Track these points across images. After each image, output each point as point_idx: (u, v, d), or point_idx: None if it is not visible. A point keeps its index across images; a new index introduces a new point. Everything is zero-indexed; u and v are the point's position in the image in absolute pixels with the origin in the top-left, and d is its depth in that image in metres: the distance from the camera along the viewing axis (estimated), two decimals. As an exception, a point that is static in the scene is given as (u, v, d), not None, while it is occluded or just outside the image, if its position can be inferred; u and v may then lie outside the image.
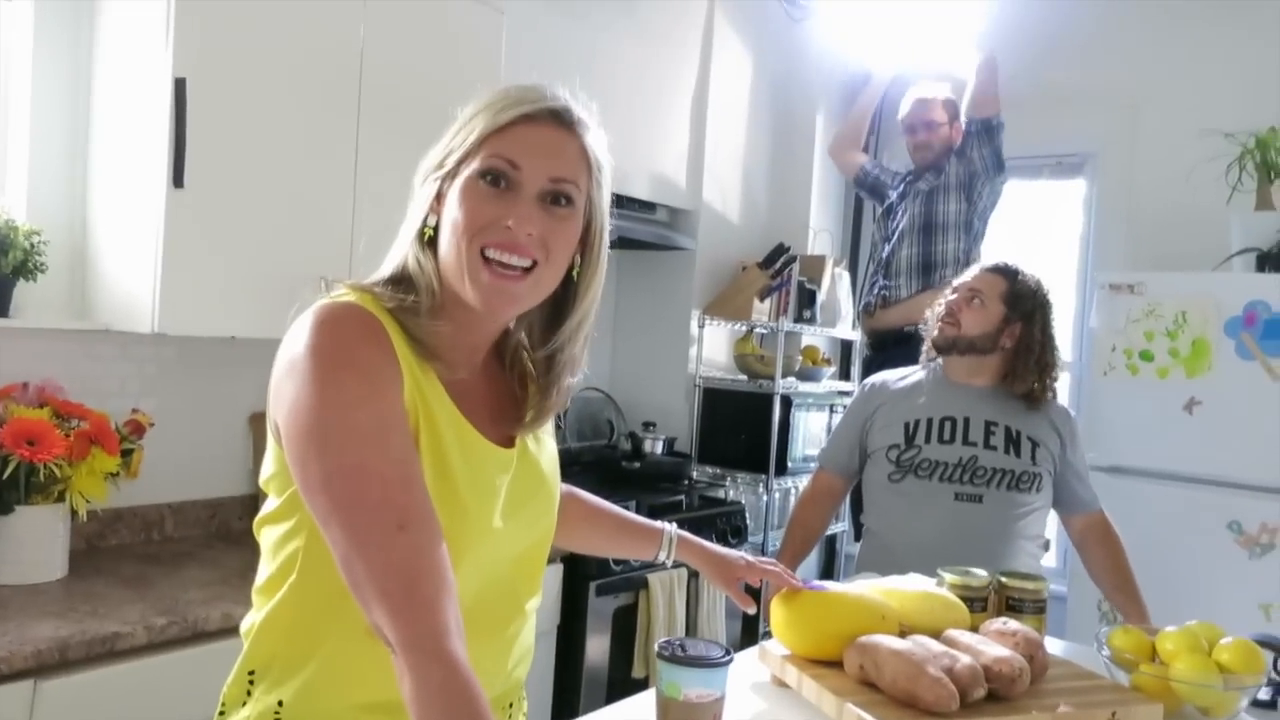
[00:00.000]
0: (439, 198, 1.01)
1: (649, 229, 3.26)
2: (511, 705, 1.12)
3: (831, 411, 3.68)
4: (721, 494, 3.32)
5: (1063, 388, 2.31)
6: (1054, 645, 1.64)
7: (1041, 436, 2.17)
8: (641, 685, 2.49)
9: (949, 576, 1.62)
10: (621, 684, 2.57)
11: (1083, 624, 2.84)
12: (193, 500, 2.27)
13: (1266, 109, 3.13)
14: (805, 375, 3.56)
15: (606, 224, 1.07)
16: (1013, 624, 1.43)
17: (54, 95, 2.00)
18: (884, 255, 3.44)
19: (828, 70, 3.91)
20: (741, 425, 3.44)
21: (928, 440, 2.19)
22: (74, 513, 1.84)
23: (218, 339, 2.22)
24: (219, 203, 1.92)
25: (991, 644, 1.33)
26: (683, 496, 3.05)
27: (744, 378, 3.51)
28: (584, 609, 2.52)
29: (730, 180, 3.69)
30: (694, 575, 2.74)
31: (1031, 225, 3.83)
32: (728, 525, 2.99)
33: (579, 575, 2.51)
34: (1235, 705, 1.38)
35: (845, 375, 4.03)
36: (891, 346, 3.25)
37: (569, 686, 2.54)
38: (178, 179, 1.84)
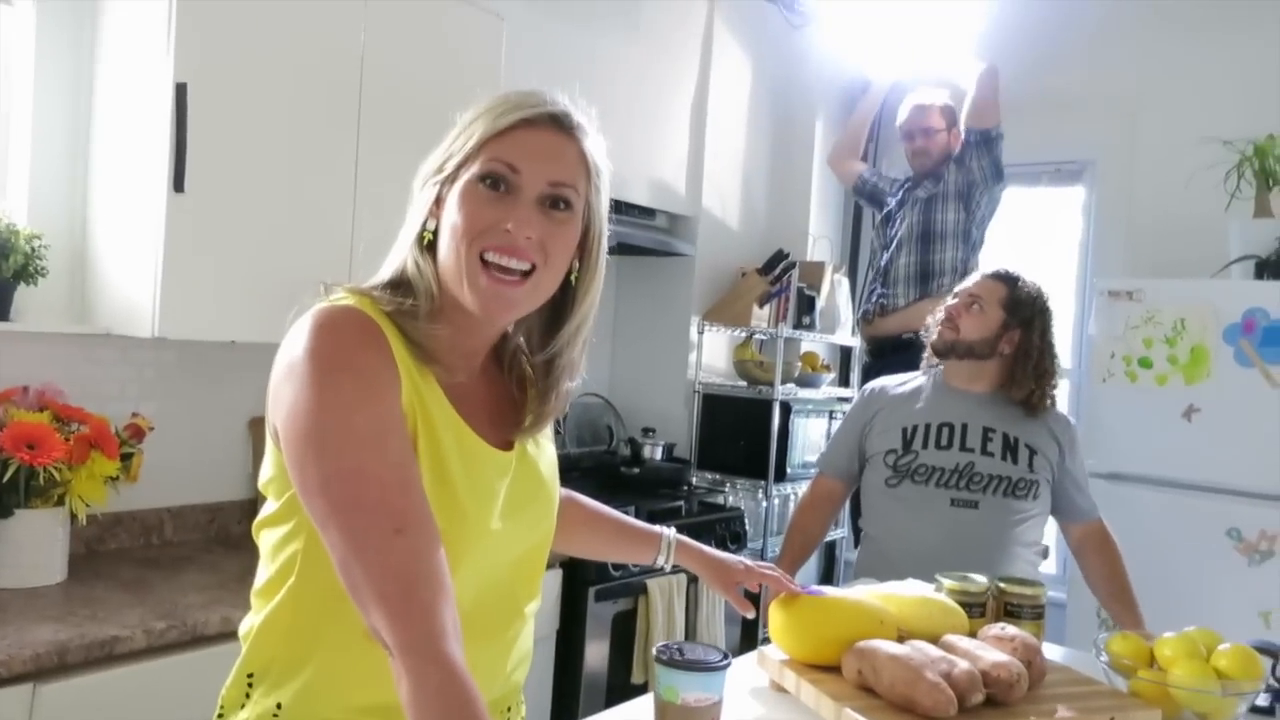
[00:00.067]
0: (438, 202, 1.01)
1: (648, 235, 3.26)
2: (510, 709, 1.12)
3: (831, 418, 3.68)
4: (721, 500, 3.31)
5: (1062, 395, 2.31)
6: (1053, 652, 1.64)
7: (1039, 444, 2.17)
8: (640, 691, 2.49)
9: (947, 582, 1.62)
10: (620, 690, 2.57)
11: (1082, 631, 2.84)
12: (192, 504, 2.27)
13: (1265, 116, 3.13)
14: (804, 381, 3.57)
15: (605, 228, 1.07)
16: (1011, 629, 1.42)
17: (55, 100, 2.01)
18: (882, 263, 3.44)
19: (827, 76, 3.92)
20: (741, 431, 3.44)
21: (925, 446, 2.19)
22: (73, 516, 1.84)
23: (218, 343, 2.23)
24: (219, 207, 1.93)
25: (990, 649, 1.33)
26: (682, 502, 3.05)
27: (743, 384, 3.51)
28: (583, 614, 2.52)
29: (730, 186, 3.69)
30: (693, 581, 2.74)
31: (1031, 232, 3.83)
32: (727, 531, 2.99)
33: (578, 580, 2.51)
34: (1233, 711, 1.38)
35: (845, 381, 4.03)
36: (890, 353, 3.26)
37: (568, 692, 2.53)
38: (178, 184, 1.85)
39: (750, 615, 1.45)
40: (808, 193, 3.91)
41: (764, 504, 3.40)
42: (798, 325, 3.53)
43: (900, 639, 1.35)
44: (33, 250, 1.91)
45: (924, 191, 3.35)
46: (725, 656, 1.20)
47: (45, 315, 2.01)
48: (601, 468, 3.25)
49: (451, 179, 1.00)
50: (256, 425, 2.37)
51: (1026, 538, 2.17)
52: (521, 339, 1.13)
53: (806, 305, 3.56)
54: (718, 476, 3.49)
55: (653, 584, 2.62)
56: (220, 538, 2.30)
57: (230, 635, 1.09)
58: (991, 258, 3.32)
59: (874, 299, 3.42)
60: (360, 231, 2.14)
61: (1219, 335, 2.88)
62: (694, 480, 3.39)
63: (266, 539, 1.03)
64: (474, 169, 0.99)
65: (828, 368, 3.76)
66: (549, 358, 1.10)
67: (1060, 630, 2.91)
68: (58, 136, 2.02)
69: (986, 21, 3.48)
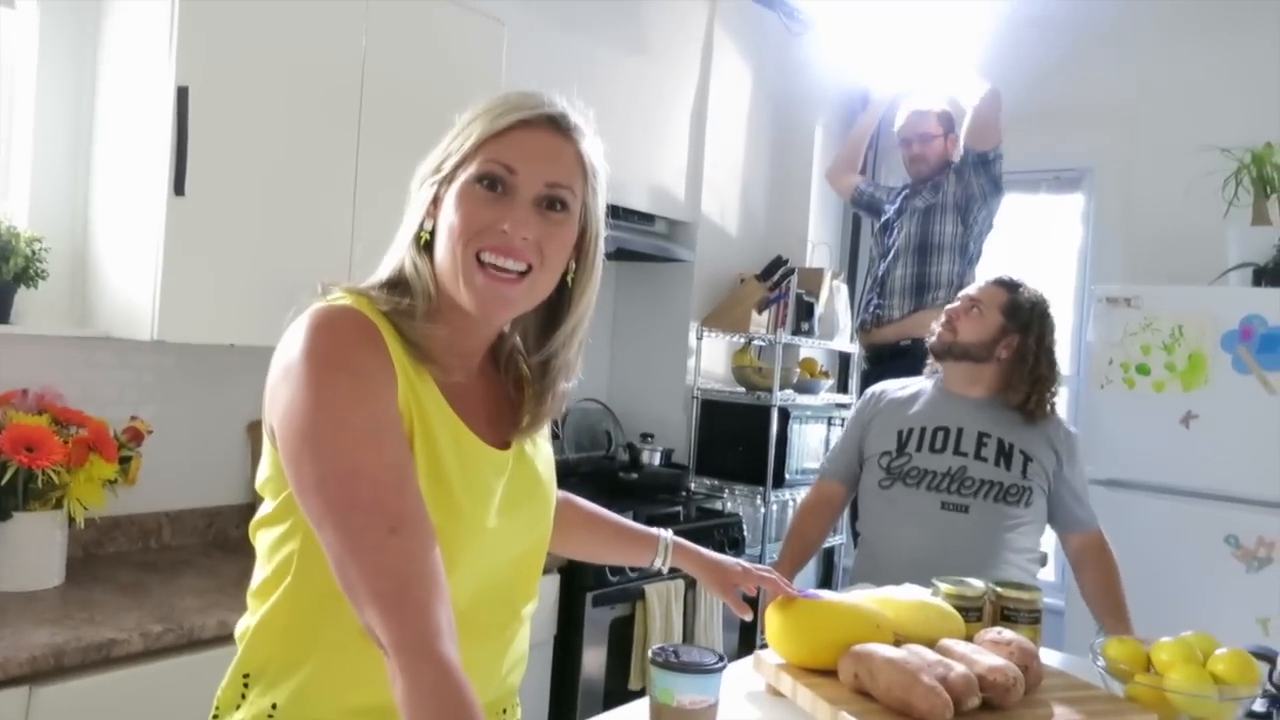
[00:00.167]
0: (435, 202, 1.02)
1: (647, 240, 3.27)
2: (505, 711, 1.12)
3: (829, 424, 3.68)
4: (719, 506, 3.31)
5: (1060, 401, 2.31)
6: (1051, 657, 1.64)
7: (1035, 451, 2.16)
8: (638, 697, 2.49)
9: (944, 586, 1.62)
10: (618, 695, 2.56)
11: (1080, 637, 2.83)
12: (190, 508, 2.27)
13: (1263, 125, 3.14)
14: (803, 387, 3.57)
15: (602, 230, 1.08)
16: (1007, 633, 1.43)
17: (57, 102, 2.02)
18: (879, 273, 3.44)
19: (827, 84, 3.93)
20: (739, 437, 3.44)
21: (919, 449, 2.21)
22: (71, 520, 1.84)
23: (217, 347, 2.23)
24: (220, 211, 1.93)
25: (986, 653, 1.33)
26: (680, 508, 3.05)
27: (742, 390, 3.52)
28: (581, 619, 2.51)
29: (729, 192, 3.70)
30: (691, 586, 2.74)
31: (1030, 239, 3.84)
32: (725, 537, 2.99)
33: (576, 585, 2.51)
34: (1230, 716, 1.38)
35: (843, 388, 4.03)
36: (888, 360, 3.26)
37: (565, 697, 2.53)
38: (179, 187, 1.85)
39: (748, 618, 1.45)
40: (807, 199, 3.91)
41: (762, 510, 3.40)
42: (796, 331, 3.53)
43: (897, 643, 1.35)
44: (33, 253, 1.91)
45: (922, 201, 3.34)
46: (721, 659, 1.20)
47: (45, 318, 2.01)
48: (600, 473, 3.25)
49: (449, 179, 1.01)
50: (255, 429, 2.37)
51: (1018, 544, 2.16)
52: (518, 339, 1.13)
53: (805, 311, 3.57)
54: (716, 482, 3.49)
55: (650, 589, 2.62)
56: (218, 542, 2.30)
57: (227, 639, 1.09)
58: (991, 265, 3.33)
59: (870, 309, 3.43)
60: (360, 236, 2.15)
61: (1217, 342, 2.88)
62: (692, 486, 3.39)
63: (263, 539, 1.03)
64: (471, 169, 0.99)
65: (826, 374, 3.76)
66: (545, 358, 1.10)
67: (1059, 636, 2.91)
68: (59, 139, 2.03)
69: (986, 30, 3.50)
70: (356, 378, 0.92)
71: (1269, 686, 1.45)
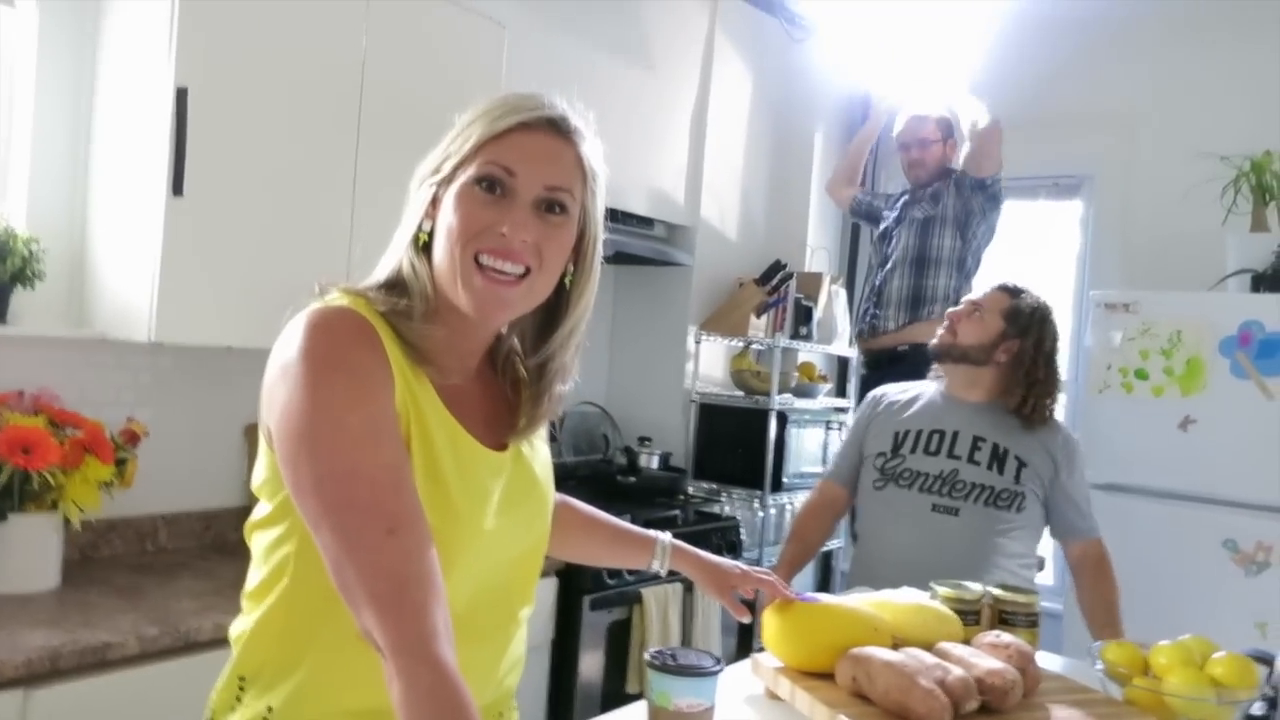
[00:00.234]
0: (434, 203, 1.02)
1: (647, 244, 3.27)
2: (502, 714, 1.12)
3: (828, 428, 3.68)
4: (717, 510, 3.31)
5: (1059, 406, 2.30)
6: (1050, 661, 1.64)
7: (1031, 457, 2.15)
8: (635, 700, 2.48)
9: (942, 589, 1.62)
10: (615, 699, 2.55)
11: (1078, 640, 2.83)
12: (187, 511, 2.26)
13: (1262, 132, 3.15)
14: (801, 391, 3.57)
15: (600, 233, 1.08)
16: (1005, 637, 1.42)
17: (56, 103, 2.02)
18: (876, 283, 3.43)
19: (827, 90, 3.94)
20: (738, 441, 3.44)
21: (913, 451, 2.22)
22: (67, 522, 1.83)
23: (214, 349, 2.22)
24: (218, 212, 1.93)
25: (984, 656, 1.33)
26: (678, 512, 3.04)
27: (740, 393, 3.51)
28: (578, 623, 2.51)
29: (728, 197, 3.70)
30: (689, 589, 2.74)
31: (1029, 245, 3.84)
32: (723, 541, 2.99)
33: (573, 589, 2.50)
34: (1229, 720, 1.38)
35: (841, 392, 4.03)
36: (886, 365, 3.26)
37: (562, 701, 2.53)
38: (177, 188, 1.85)
39: (746, 620, 1.44)
40: (806, 204, 3.92)
41: (760, 514, 3.39)
42: (795, 335, 3.53)
43: (895, 646, 1.35)
44: (30, 253, 1.91)
45: (921, 212, 3.32)
46: (718, 662, 1.20)
47: (42, 319, 2.01)
48: (598, 476, 3.24)
49: (448, 180, 1.01)
50: (252, 431, 2.37)
51: (1010, 549, 2.14)
52: (516, 341, 1.13)
53: (804, 316, 3.57)
54: (714, 486, 3.49)
55: (648, 593, 2.61)
56: (215, 544, 2.29)
57: (223, 642, 1.08)
58: (990, 272, 3.33)
59: (867, 319, 3.43)
60: (359, 237, 2.14)
61: (1215, 347, 2.89)
62: (690, 490, 3.38)
63: (259, 541, 1.03)
64: (470, 171, 0.99)
65: (824, 378, 3.76)
66: (542, 360, 1.10)
67: (1057, 640, 2.90)
68: (58, 140, 2.02)
69: (985, 37, 3.50)
70: (354, 378, 0.92)
71: (1267, 690, 1.45)
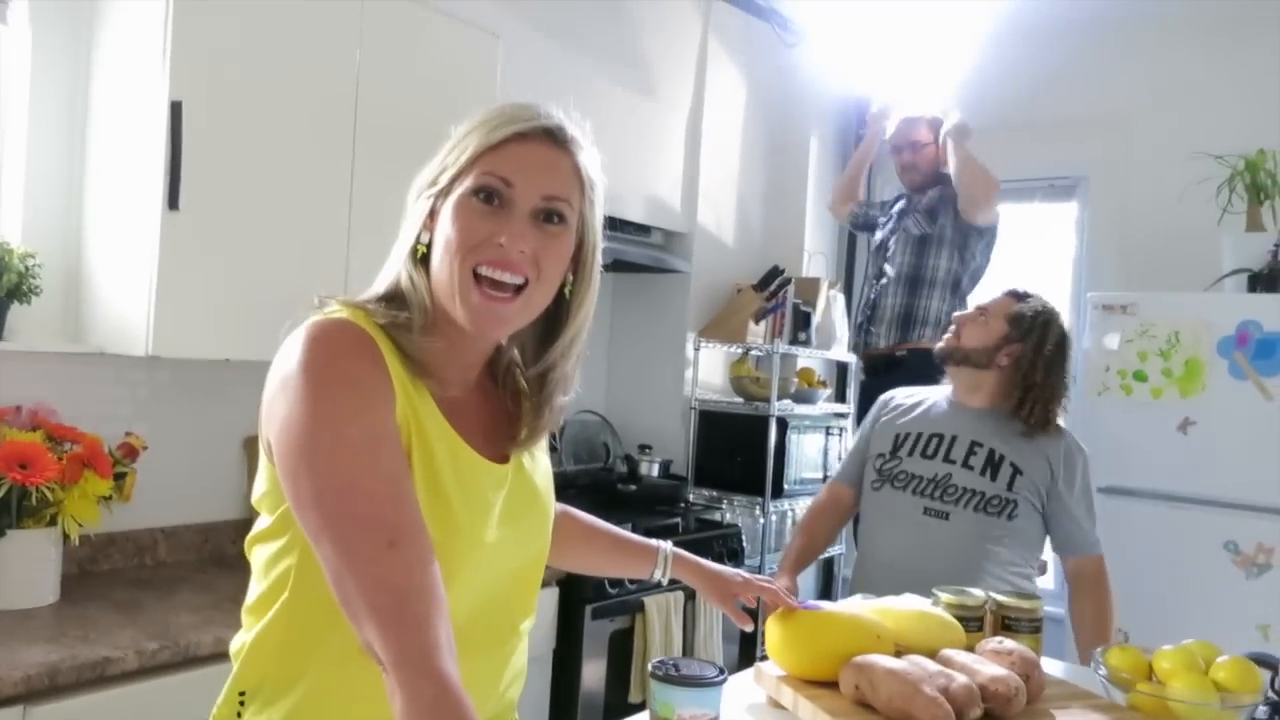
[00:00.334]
0: (432, 215, 1.01)
1: (644, 252, 3.27)
2: (504, 726, 1.12)
3: (828, 434, 3.67)
4: (718, 517, 3.31)
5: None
6: (1053, 666, 1.63)
7: (1028, 465, 2.13)
8: (638, 709, 2.47)
9: (944, 596, 1.61)
10: (618, 709, 2.55)
11: (1081, 646, 2.83)
12: (186, 524, 2.26)
13: (1256, 131, 3.16)
14: (801, 397, 3.57)
15: (599, 242, 1.07)
16: (1008, 643, 1.42)
17: (51, 118, 2.01)
18: (871, 297, 3.41)
19: (821, 93, 3.94)
20: (738, 448, 3.44)
21: (910, 453, 2.22)
22: (66, 537, 1.83)
23: (212, 362, 2.22)
24: (214, 225, 1.93)
25: (987, 663, 1.33)
26: (679, 519, 3.04)
27: (740, 400, 3.51)
28: (580, 632, 2.50)
29: (725, 203, 3.71)
30: (691, 598, 2.73)
31: (1025, 248, 3.84)
32: (724, 548, 2.98)
33: (575, 598, 2.49)
34: (1233, 724, 1.37)
35: (841, 397, 4.03)
36: (884, 371, 3.25)
37: (565, 711, 2.52)
38: (173, 202, 1.85)
39: (748, 628, 1.44)
40: (803, 209, 3.92)
41: (761, 520, 3.39)
42: (794, 341, 3.53)
43: (897, 653, 1.35)
44: (27, 269, 1.91)
45: (917, 228, 3.28)
46: (721, 672, 1.19)
47: (39, 334, 2.00)
48: (598, 485, 3.24)
49: (445, 192, 1.00)
50: (251, 444, 2.36)
51: (1002, 557, 2.12)
52: (516, 352, 1.13)
53: (802, 321, 3.57)
54: (715, 493, 3.48)
55: (650, 602, 2.61)
56: (214, 558, 2.28)
57: (223, 656, 1.08)
58: (987, 277, 3.32)
59: (860, 333, 3.42)
60: (355, 248, 2.14)
61: (1213, 348, 2.89)
62: (691, 497, 3.38)
63: (259, 555, 1.02)
64: (468, 182, 0.99)
65: (824, 383, 3.76)
66: (543, 371, 1.10)
67: (1060, 645, 2.90)
68: (53, 155, 2.02)
69: (978, 39, 3.51)
70: (353, 391, 0.91)
71: (1271, 694, 1.45)
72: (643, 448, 3.35)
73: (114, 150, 1.98)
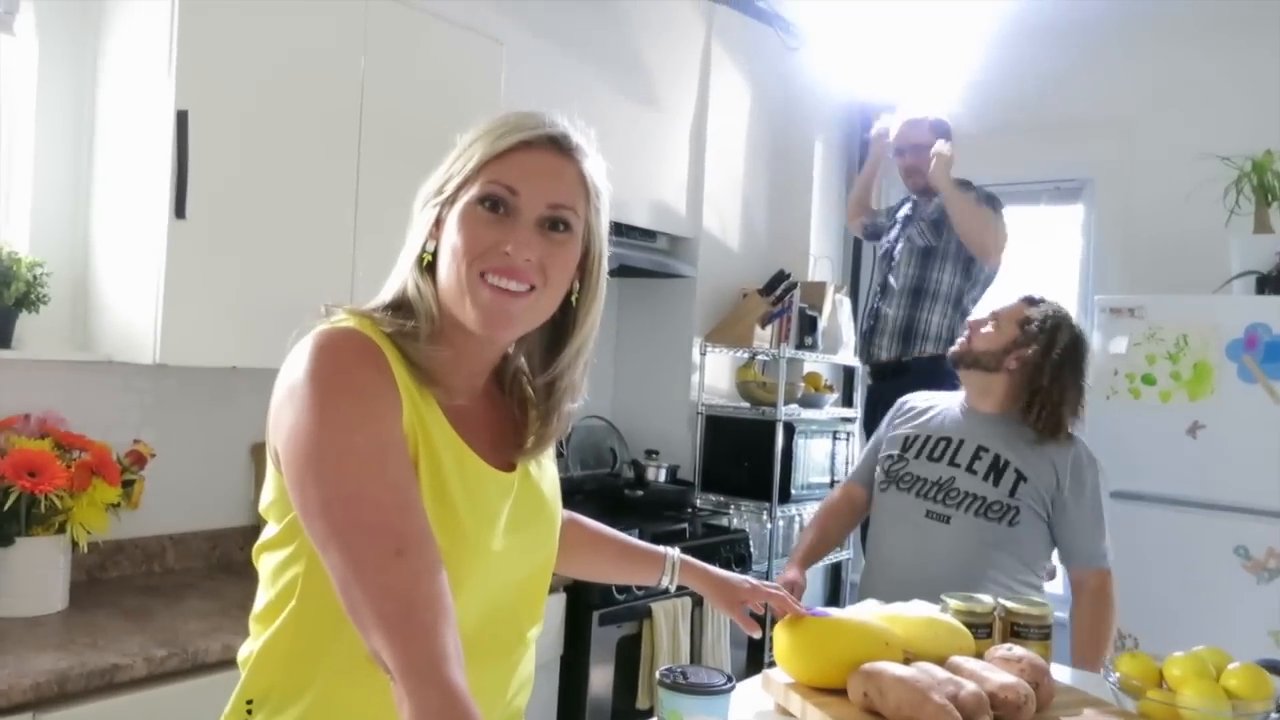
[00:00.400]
0: (438, 223, 1.01)
1: (649, 257, 3.27)
2: (511, 734, 1.11)
3: (835, 438, 3.67)
4: (725, 522, 3.30)
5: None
6: (1062, 673, 1.63)
7: (1033, 472, 2.11)
8: (645, 716, 2.47)
9: (953, 602, 1.61)
10: (625, 715, 2.55)
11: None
12: (194, 531, 2.26)
13: (1263, 132, 3.14)
14: (808, 402, 3.56)
15: (605, 250, 1.07)
16: (1018, 650, 1.42)
17: (57, 128, 2.02)
18: (874, 306, 3.39)
19: (825, 97, 3.94)
20: (744, 453, 3.43)
21: (917, 455, 2.23)
22: (75, 544, 1.83)
23: (219, 369, 2.23)
24: (220, 234, 1.93)
25: (997, 670, 1.32)
26: (686, 525, 3.04)
27: (746, 405, 3.51)
28: (587, 638, 2.50)
29: (730, 207, 3.71)
30: (698, 604, 2.73)
31: (1031, 251, 3.83)
32: (732, 554, 2.98)
33: (582, 604, 2.49)
34: (1245, 731, 1.36)
35: (848, 401, 4.02)
36: (890, 376, 3.24)
37: (572, 717, 2.51)
38: (179, 210, 1.86)
39: (756, 635, 1.44)
40: (808, 213, 3.92)
41: (768, 526, 3.38)
42: (800, 346, 3.53)
43: (906, 660, 1.34)
44: (34, 278, 1.91)
45: (922, 239, 3.24)
46: (729, 680, 1.19)
47: (47, 343, 2.01)
48: (605, 490, 3.24)
49: (451, 200, 1.00)
50: (258, 451, 2.37)
51: (1003, 563, 2.10)
52: (523, 361, 1.13)
53: (808, 325, 3.56)
54: (722, 498, 3.48)
55: (657, 607, 2.61)
56: (222, 564, 2.29)
57: (232, 663, 1.08)
58: (1000, 283, 3.29)
59: (864, 342, 3.41)
60: (361, 256, 2.15)
61: (1222, 351, 2.88)
62: (698, 502, 3.38)
63: (267, 563, 1.02)
64: (473, 191, 0.99)
65: (830, 388, 3.75)
66: (550, 379, 1.10)
67: (1070, 652, 2.89)
68: (60, 164, 2.03)
69: (983, 41, 3.50)
70: (360, 399, 0.91)
71: (1283, 700, 1.44)
72: (649, 453, 3.35)
73: (120, 159, 1.99)
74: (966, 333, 2.28)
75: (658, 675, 1.19)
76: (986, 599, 1.64)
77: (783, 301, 3.46)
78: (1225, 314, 2.90)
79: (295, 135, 2.05)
